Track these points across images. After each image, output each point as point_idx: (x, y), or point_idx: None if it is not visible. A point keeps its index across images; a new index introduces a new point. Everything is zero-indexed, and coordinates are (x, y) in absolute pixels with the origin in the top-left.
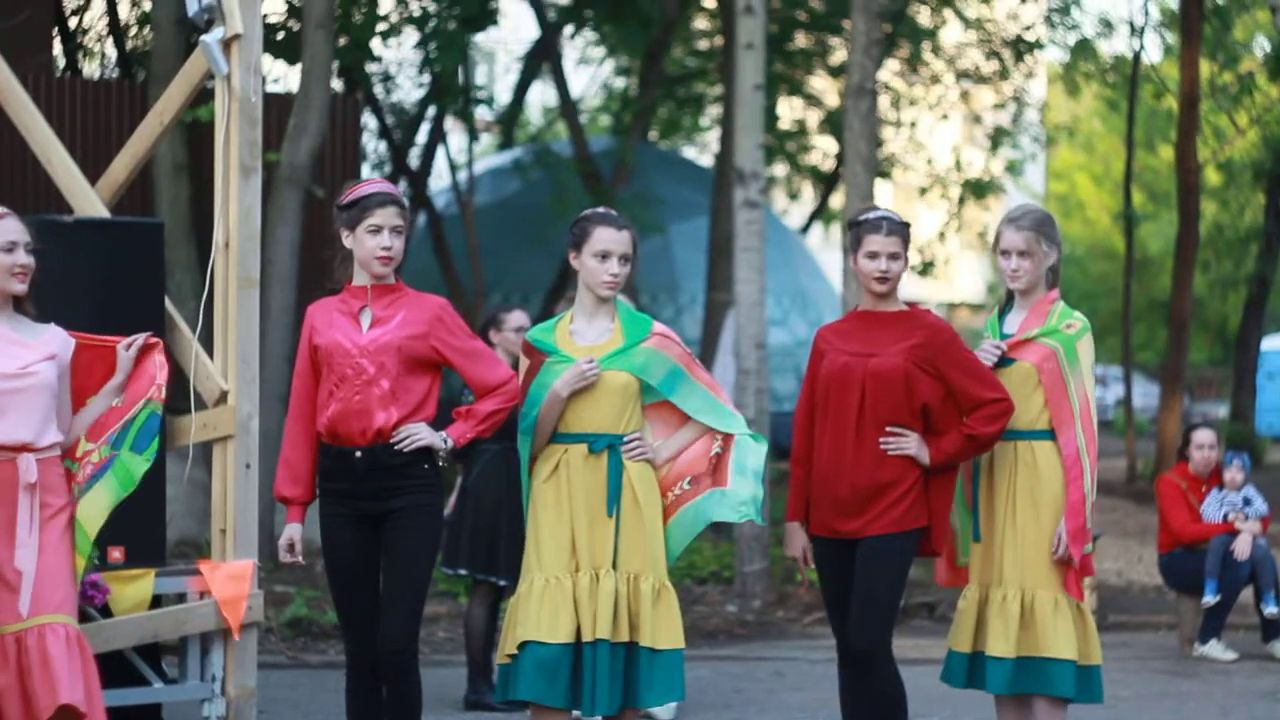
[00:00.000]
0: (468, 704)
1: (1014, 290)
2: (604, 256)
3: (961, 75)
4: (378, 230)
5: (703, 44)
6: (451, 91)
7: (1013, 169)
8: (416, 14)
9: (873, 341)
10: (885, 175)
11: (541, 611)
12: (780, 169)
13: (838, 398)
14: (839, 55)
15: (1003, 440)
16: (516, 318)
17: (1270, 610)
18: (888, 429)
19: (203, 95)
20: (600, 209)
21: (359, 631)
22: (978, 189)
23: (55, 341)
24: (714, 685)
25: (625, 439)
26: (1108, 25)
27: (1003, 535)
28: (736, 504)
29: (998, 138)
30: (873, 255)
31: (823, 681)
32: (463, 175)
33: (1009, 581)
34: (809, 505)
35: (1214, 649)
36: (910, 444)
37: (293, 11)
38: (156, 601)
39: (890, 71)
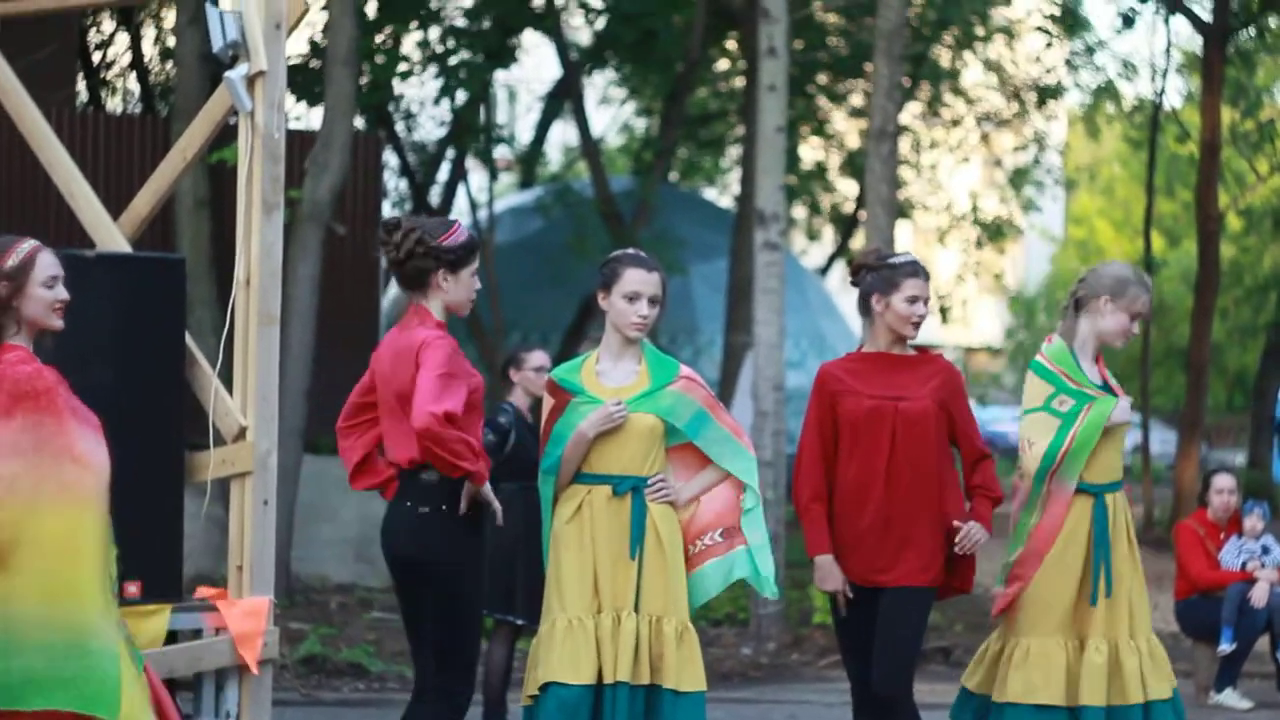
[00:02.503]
0: None
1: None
2: (633, 298)
3: (982, 118)
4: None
5: (724, 85)
6: (472, 130)
7: (1028, 207)
8: (439, 51)
9: (897, 385)
10: (905, 217)
11: (564, 652)
12: (800, 211)
13: (867, 440)
14: (859, 97)
15: (1113, 493)
16: (537, 357)
17: None
18: (954, 525)
19: (227, 134)
20: (630, 250)
21: None
22: (995, 232)
23: None
24: None
25: (649, 481)
26: (1129, 67)
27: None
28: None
29: (1017, 179)
30: (913, 299)
31: None
32: (483, 214)
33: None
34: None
35: (1229, 697)
36: (979, 534)
37: (316, 50)
38: (172, 637)
39: (911, 114)
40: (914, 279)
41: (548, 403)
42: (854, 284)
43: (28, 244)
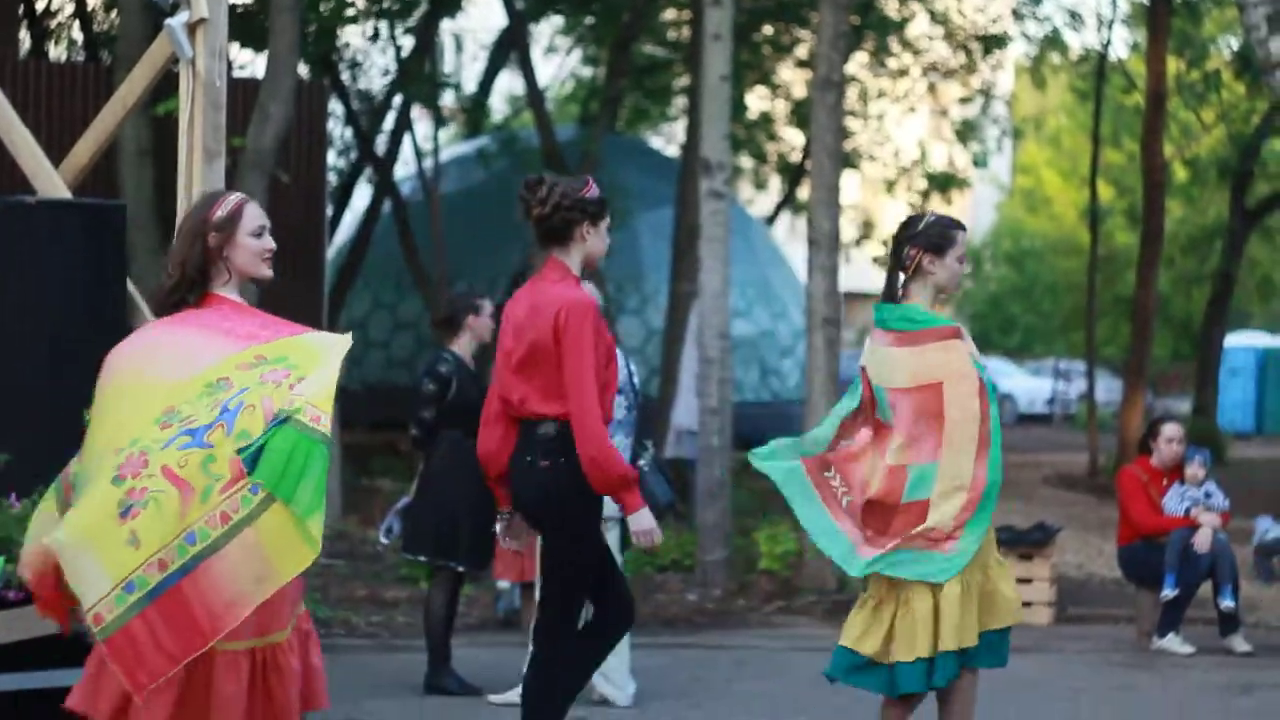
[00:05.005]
0: (427, 688)
1: None
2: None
3: (929, 69)
4: None
5: (671, 34)
6: (418, 79)
7: (978, 162)
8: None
9: None
10: (852, 167)
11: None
12: (746, 160)
13: None
14: (806, 47)
15: None
16: (490, 305)
17: (1227, 604)
18: None
19: (171, 85)
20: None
21: None
22: (942, 182)
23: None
24: (673, 673)
25: None
26: (1076, 17)
27: None
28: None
29: (964, 131)
30: (962, 259)
31: (783, 670)
32: (428, 163)
33: None
34: None
35: (1172, 643)
36: None
37: None
38: None
39: (857, 64)
40: (963, 235)
41: None
42: (905, 243)
43: (235, 195)
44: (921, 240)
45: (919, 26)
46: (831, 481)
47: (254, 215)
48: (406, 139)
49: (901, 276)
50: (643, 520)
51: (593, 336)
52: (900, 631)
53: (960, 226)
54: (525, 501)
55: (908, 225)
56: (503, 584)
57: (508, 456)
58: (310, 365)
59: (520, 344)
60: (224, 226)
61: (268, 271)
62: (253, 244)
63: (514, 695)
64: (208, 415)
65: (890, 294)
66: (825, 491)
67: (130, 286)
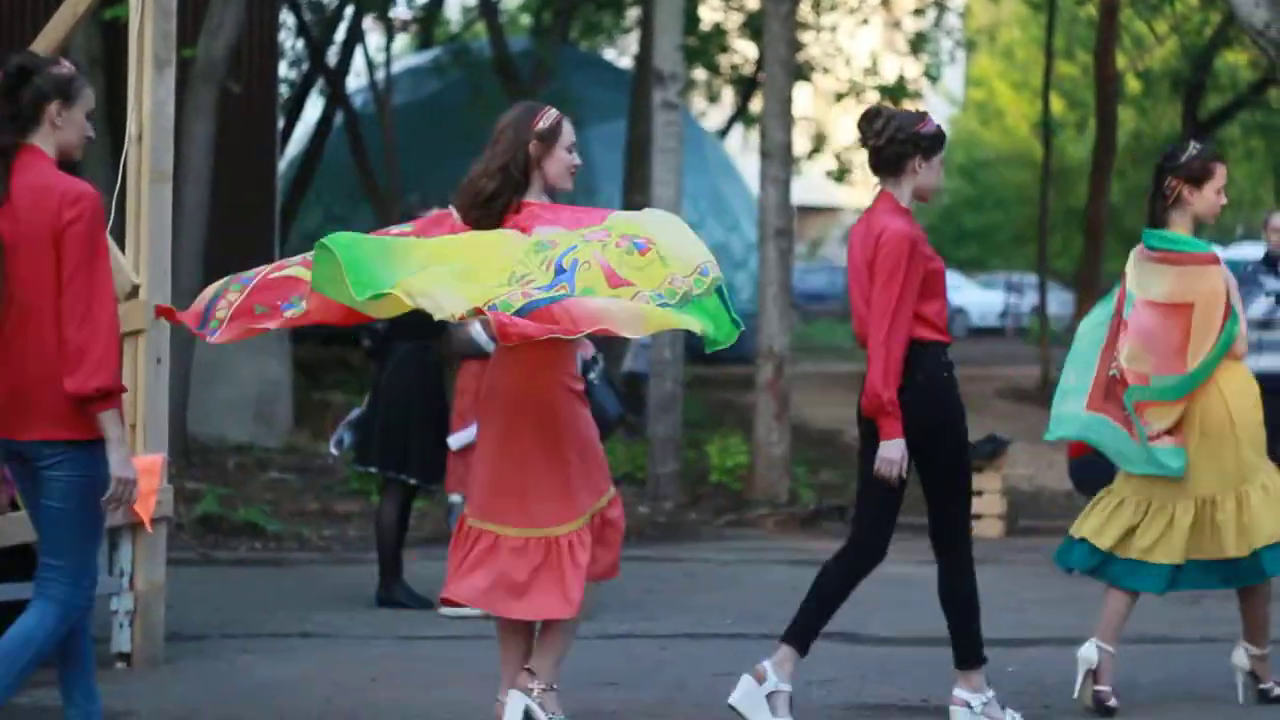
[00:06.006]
0: (379, 601)
1: None
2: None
3: None
4: None
5: None
6: None
7: (930, 73)
8: None
9: None
10: (805, 79)
11: None
12: (700, 73)
13: None
14: None
15: None
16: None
17: None
18: None
19: None
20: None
21: None
22: (894, 94)
23: None
24: (625, 586)
25: None
26: None
27: None
28: None
29: (917, 42)
30: (1219, 191)
31: (734, 583)
32: (380, 75)
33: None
34: None
35: None
36: None
37: None
38: None
39: None
40: (1223, 170)
41: None
42: (1166, 173)
43: (553, 110)
44: (1182, 172)
45: None
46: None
47: (569, 131)
48: (358, 50)
49: (1162, 204)
50: (891, 450)
51: (906, 266)
52: (1154, 534)
53: (1220, 159)
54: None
55: (1171, 156)
56: (454, 497)
57: None
58: (628, 228)
59: (858, 272)
60: (546, 137)
61: (569, 185)
62: (566, 158)
63: (466, 608)
64: (544, 275)
65: (1152, 220)
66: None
67: None
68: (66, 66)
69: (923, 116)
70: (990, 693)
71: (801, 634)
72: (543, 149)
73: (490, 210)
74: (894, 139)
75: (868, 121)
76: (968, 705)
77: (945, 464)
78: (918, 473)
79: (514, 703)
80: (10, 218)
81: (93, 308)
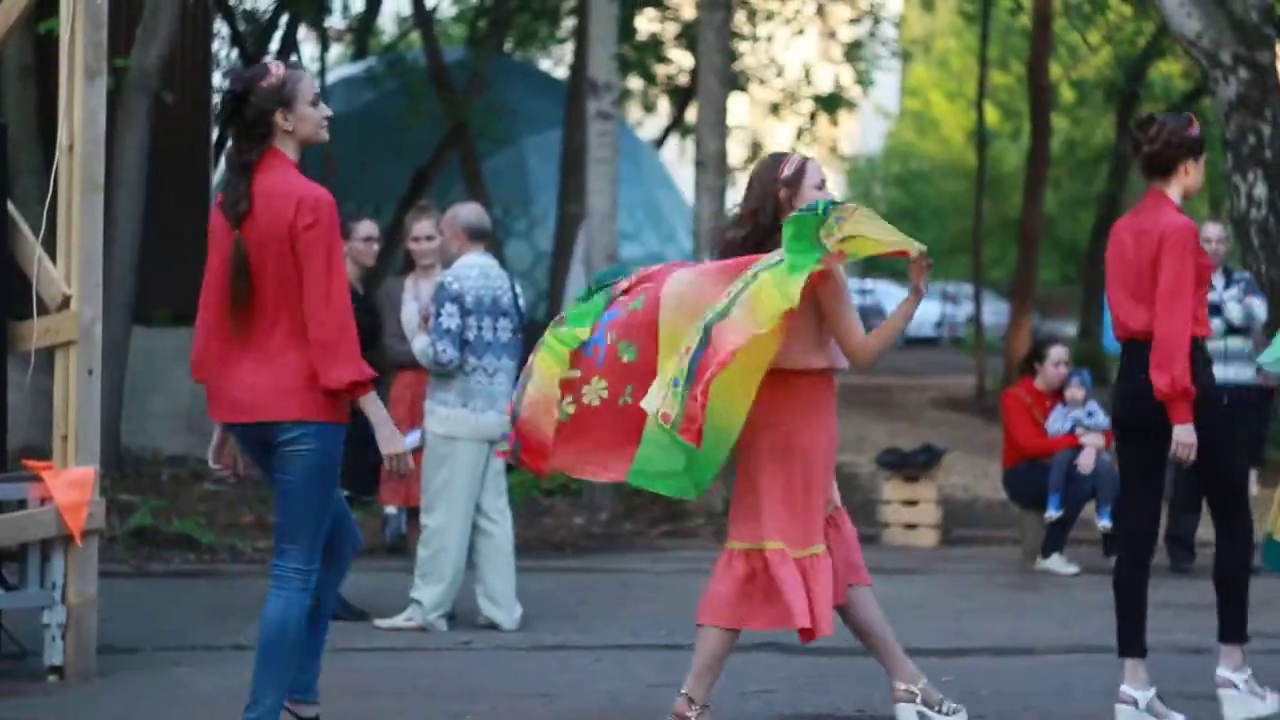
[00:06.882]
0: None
1: None
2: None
3: None
4: None
5: None
6: None
7: (862, 80)
8: None
9: None
10: (740, 89)
11: None
12: (635, 83)
13: None
14: None
15: None
16: (365, 227)
17: (1104, 524)
18: None
19: (54, 2)
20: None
21: None
22: (829, 103)
23: None
24: (559, 596)
25: None
26: None
27: None
28: None
29: (852, 52)
30: None
31: (669, 593)
32: (315, 84)
33: None
34: None
35: (1055, 563)
36: None
37: None
38: None
39: None
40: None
41: None
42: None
43: (799, 154)
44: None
45: None
46: None
47: (814, 171)
48: (292, 60)
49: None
50: (1186, 434)
51: (1192, 259)
52: None
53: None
54: (1141, 413)
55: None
56: (390, 509)
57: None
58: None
59: (1128, 269)
60: (792, 182)
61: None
62: (814, 195)
63: (400, 620)
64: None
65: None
66: None
67: (10, 207)
68: (274, 74)
69: (1190, 121)
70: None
71: (1133, 640)
72: (791, 193)
73: (743, 252)
74: (1168, 143)
75: (1142, 128)
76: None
77: (1220, 444)
78: (1138, 455)
79: (904, 714)
80: (253, 221)
81: (332, 305)
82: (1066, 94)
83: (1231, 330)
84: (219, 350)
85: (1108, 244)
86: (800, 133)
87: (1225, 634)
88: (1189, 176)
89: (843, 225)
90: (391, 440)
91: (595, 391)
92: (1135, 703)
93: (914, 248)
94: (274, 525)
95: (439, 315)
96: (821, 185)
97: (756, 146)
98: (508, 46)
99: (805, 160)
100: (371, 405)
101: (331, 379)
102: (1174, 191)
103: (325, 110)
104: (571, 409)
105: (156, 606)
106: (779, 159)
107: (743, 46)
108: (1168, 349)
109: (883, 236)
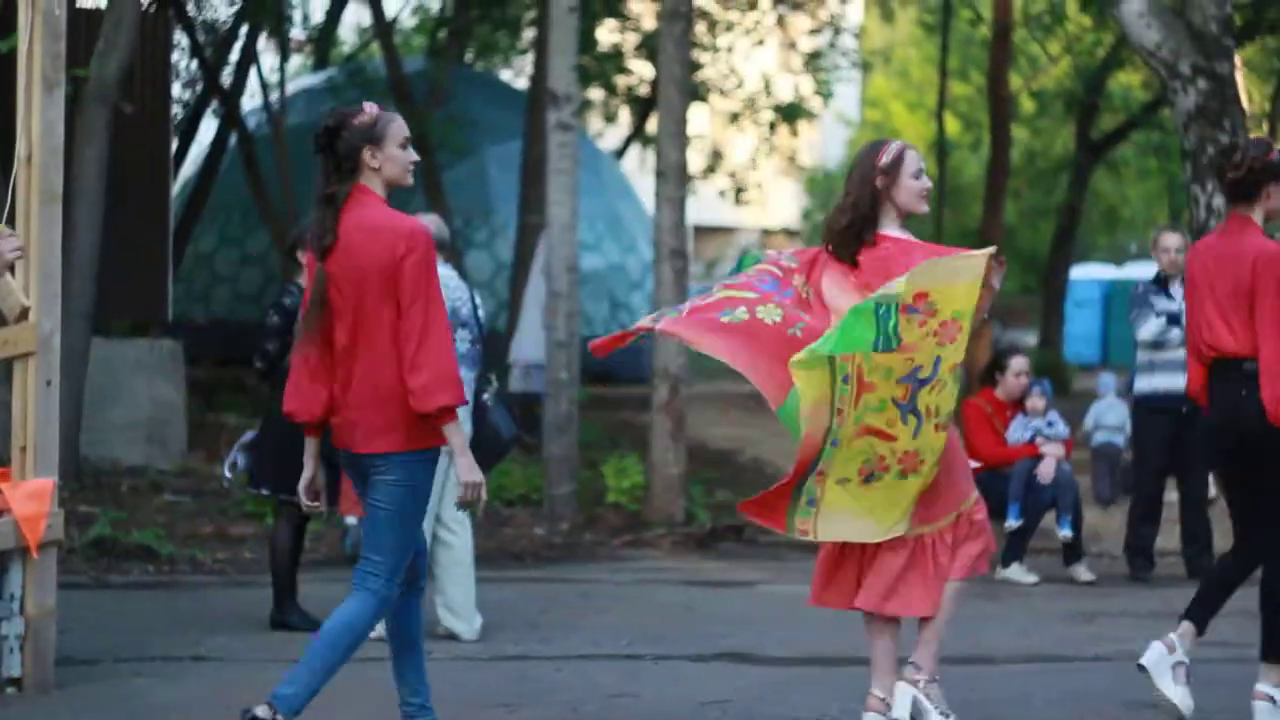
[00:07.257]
0: (273, 624)
1: None
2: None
3: (778, 1)
4: None
5: None
6: (265, 10)
7: (822, 91)
8: None
9: None
10: (700, 100)
11: None
12: (596, 93)
13: None
14: None
15: None
16: None
17: (1065, 534)
18: None
19: (12, 19)
20: None
21: None
22: (789, 113)
23: None
24: (520, 607)
25: None
26: None
27: None
28: None
29: (812, 62)
30: None
31: (629, 603)
32: (275, 95)
33: None
34: None
35: (1015, 572)
36: None
37: None
38: None
39: None
40: None
41: None
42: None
43: (897, 142)
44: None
45: None
46: None
47: (913, 159)
48: (252, 71)
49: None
50: None
51: None
52: None
53: None
54: (1241, 430)
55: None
56: (350, 520)
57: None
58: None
59: (1210, 291)
60: (889, 170)
61: (925, 207)
62: (914, 185)
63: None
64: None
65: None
66: None
67: None
68: (369, 112)
69: (1270, 146)
70: None
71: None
72: (889, 181)
73: (845, 240)
74: (1252, 169)
75: (1226, 155)
76: (1271, 700)
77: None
78: (1242, 477)
79: (902, 694)
80: (340, 256)
81: (430, 331)
82: (1026, 105)
83: None
84: (307, 384)
85: (1187, 265)
86: (761, 143)
87: (1268, 651)
88: (1271, 200)
89: (911, 286)
90: (472, 471)
91: (769, 313)
92: (1273, 700)
93: (985, 257)
94: (363, 541)
95: None
96: (919, 174)
97: (717, 156)
98: (468, 57)
99: (904, 148)
100: (455, 435)
101: (428, 403)
102: (1258, 215)
103: (413, 155)
104: (746, 316)
105: (115, 618)
106: (878, 146)
107: (703, 57)
108: (1277, 370)
109: (957, 280)
